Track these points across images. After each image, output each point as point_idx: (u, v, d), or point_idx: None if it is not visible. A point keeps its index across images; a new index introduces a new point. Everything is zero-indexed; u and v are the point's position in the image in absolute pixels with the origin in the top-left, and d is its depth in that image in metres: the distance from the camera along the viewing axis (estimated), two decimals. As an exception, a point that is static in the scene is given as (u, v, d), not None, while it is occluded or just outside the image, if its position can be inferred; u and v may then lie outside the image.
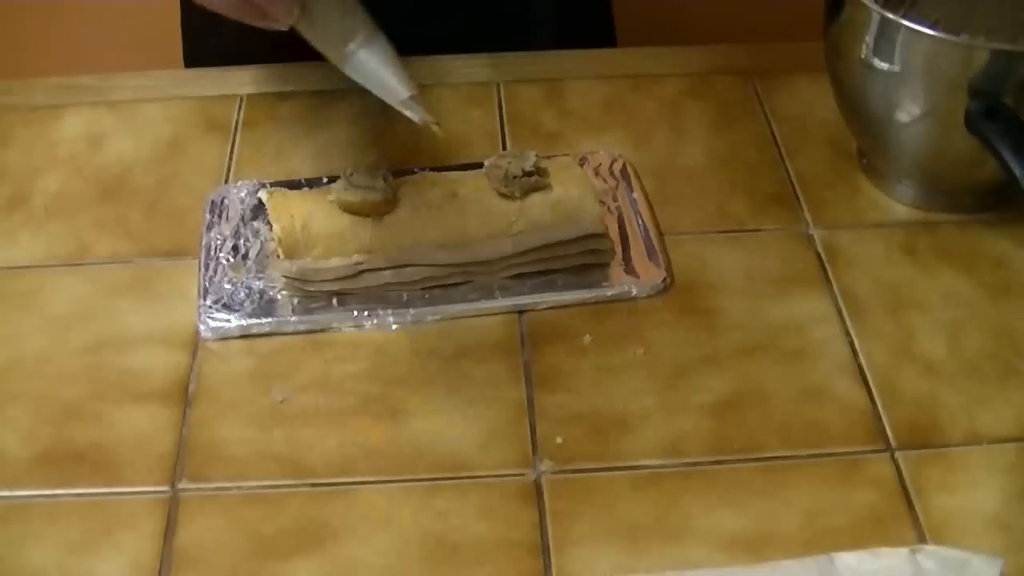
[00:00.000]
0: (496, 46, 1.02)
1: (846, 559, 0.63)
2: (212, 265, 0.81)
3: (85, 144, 0.93)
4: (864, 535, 0.66)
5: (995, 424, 0.72)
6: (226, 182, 0.89)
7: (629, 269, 0.82)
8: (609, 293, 0.80)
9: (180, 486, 0.69)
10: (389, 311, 0.79)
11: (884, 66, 0.80)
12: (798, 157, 0.92)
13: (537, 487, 0.69)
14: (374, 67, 0.70)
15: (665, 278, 0.81)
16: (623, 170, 0.89)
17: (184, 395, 0.74)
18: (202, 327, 0.78)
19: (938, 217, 0.86)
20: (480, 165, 0.82)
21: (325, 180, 0.86)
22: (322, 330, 0.78)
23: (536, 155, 0.81)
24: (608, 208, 0.85)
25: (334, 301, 0.79)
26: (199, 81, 1.00)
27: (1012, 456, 0.70)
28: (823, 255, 0.83)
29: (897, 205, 0.87)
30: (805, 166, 0.91)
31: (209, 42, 1.05)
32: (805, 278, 0.82)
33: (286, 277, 0.79)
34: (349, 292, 0.79)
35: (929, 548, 0.64)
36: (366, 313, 0.79)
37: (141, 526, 0.67)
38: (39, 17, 1.68)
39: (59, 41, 1.67)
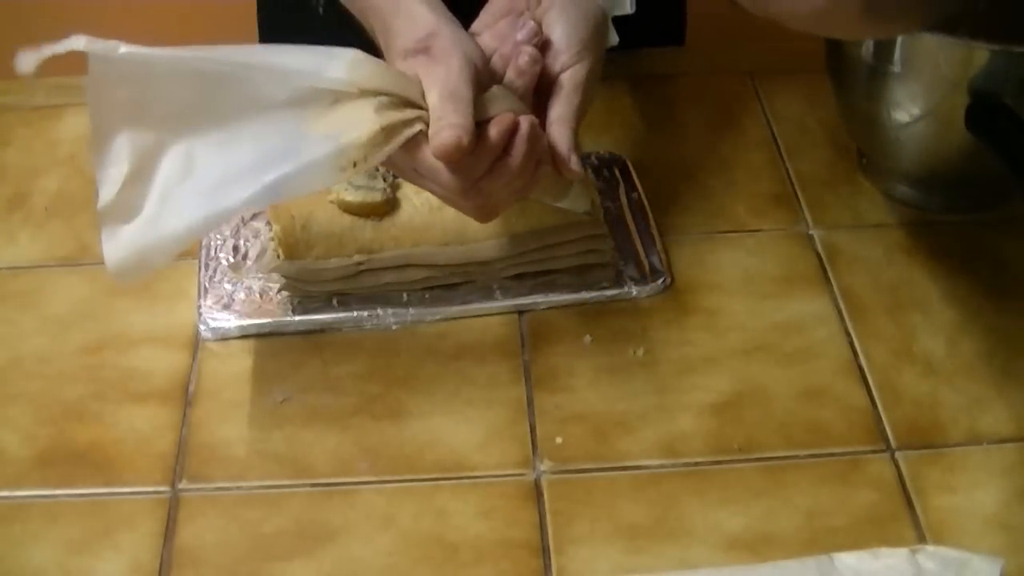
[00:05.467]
0: None
1: (846, 559, 0.63)
2: (212, 265, 0.81)
3: (85, 144, 0.93)
4: (864, 535, 0.66)
5: (995, 424, 0.72)
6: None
7: (629, 269, 0.82)
8: (609, 293, 0.80)
9: (180, 486, 0.69)
10: (389, 311, 0.79)
11: (884, 66, 0.80)
12: (798, 157, 0.92)
13: (537, 487, 0.69)
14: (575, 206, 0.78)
15: (665, 278, 0.81)
16: (623, 170, 0.89)
17: (184, 395, 0.74)
18: (202, 327, 0.78)
19: (938, 217, 0.86)
20: (480, 165, 0.82)
21: (325, 180, 0.86)
22: (322, 330, 0.78)
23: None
24: (608, 208, 0.85)
25: (334, 301, 0.79)
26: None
27: (1012, 456, 0.70)
28: (823, 255, 0.83)
29: (897, 205, 0.87)
30: (805, 166, 0.91)
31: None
32: (805, 278, 0.82)
33: (286, 277, 0.79)
34: (349, 292, 0.79)
35: (929, 548, 0.64)
36: (366, 313, 0.79)
37: (141, 526, 0.67)
38: (39, 17, 1.67)
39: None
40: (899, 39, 0.78)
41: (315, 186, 0.64)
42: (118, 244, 0.65)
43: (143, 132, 0.65)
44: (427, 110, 0.65)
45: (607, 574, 0.65)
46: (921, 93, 0.81)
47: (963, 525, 0.67)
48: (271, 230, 0.80)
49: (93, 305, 0.80)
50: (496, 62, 0.70)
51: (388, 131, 0.63)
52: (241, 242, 0.83)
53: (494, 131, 0.65)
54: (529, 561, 0.65)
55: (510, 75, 0.69)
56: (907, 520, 0.67)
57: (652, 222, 0.85)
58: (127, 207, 0.65)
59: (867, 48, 0.80)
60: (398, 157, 0.66)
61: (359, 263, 0.78)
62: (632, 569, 0.65)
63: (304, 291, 0.79)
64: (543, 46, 0.70)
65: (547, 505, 0.68)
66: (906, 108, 0.82)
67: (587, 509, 0.68)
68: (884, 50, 0.80)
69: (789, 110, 0.96)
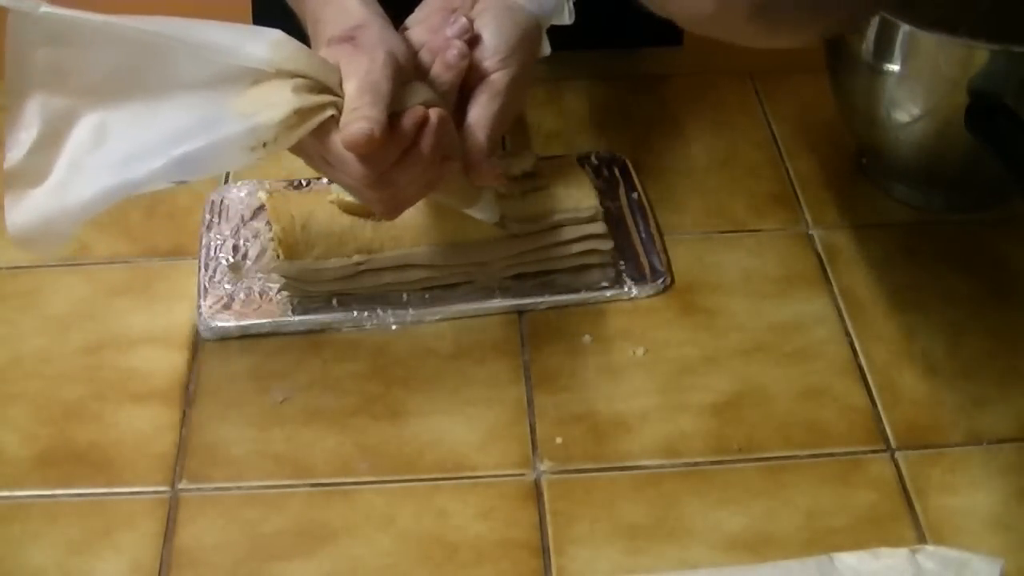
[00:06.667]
0: None
1: (846, 559, 0.63)
2: (212, 265, 0.81)
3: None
4: (864, 535, 0.66)
5: (995, 424, 0.72)
6: (226, 182, 0.89)
7: (629, 269, 0.82)
8: (609, 293, 0.80)
9: (180, 486, 0.69)
10: (389, 311, 0.79)
11: (884, 66, 0.80)
12: (798, 157, 0.92)
13: (537, 487, 0.69)
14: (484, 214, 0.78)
15: (665, 278, 0.81)
16: (623, 170, 0.89)
17: (184, 395, 0.74)
18: (202, 327, 0.78)
19: (938, 217, 0.86)
20: (480, 165, 0.82)
21: (325, 180, 0.86)
22: (322, 330, 0.78)
23: (536, 155, 0.81)
24: (608, 208, 0.85)
25: (334, 301, 0.79)
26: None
27: (1012, 456, 0.70)
28: (823, 255, 0.84)
29: (897, 205, 0.87)
30: (805, 166, 0.91)
31: None
32: (805, 278, 0.82)
33: (286, 277, 0.79)
34: (349, 292, 0.79)
35: (929, 548, 0.64)
36: (366, 313, 0.79)
37: (141, 526, 0.67)
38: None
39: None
40: (899, 38, 0.78)
41: (224, 164, 0.63)
42: (22, 209, 0.63)
43: (58, 97, 0.63)
44: (343, 98, 0.64)
45: (607, 574, 0.65)
46: (921, 93, 0.81)
47: (963, 525, 0.67)
48: (271, 230, 0.80)
49: (93, 305, 0.80)
50: (424, 55, 0.70)
51: (302, 114, 0.63)
52: (241, 242, 0.83)
53: (407, 122, 0.65)
54: (529, 561, 0.65)
55: (437, 69, 0.69)
56: (907, 520, 0.67)
57: (652, 222, 0.85)
58: (34, 172, 0.64)
59: (867, 48, 0.80)
60: (308, 143, 0.66)
61: (359, 263, 0.78)
62: (632, 569, 0.65)
63: (304, 291, 0.79)
64: (472, 44, 0.70)
65: (547, 505, 0.68)
66: (906, 108, 0.82)
67: (587, 509, 0.68)
68: (884, 49, 0.80)
69: (789, 110, 0.96)
